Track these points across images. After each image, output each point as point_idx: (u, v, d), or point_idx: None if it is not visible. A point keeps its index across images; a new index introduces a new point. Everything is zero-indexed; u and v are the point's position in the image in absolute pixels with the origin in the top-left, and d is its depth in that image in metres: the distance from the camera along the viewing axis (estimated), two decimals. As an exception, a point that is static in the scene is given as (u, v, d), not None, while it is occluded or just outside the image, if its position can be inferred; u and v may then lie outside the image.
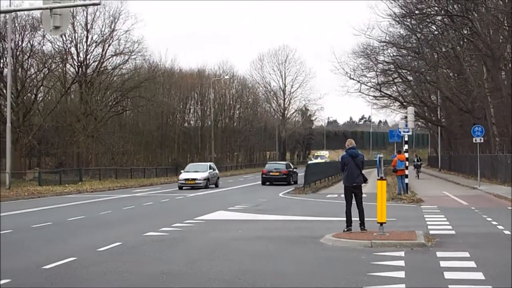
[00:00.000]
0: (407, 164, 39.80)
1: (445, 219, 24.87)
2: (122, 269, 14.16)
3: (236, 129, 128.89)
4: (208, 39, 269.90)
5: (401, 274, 13.29)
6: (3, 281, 12.82)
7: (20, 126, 69.84)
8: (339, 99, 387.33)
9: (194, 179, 52.12)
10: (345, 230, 19.48)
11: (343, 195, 20.49)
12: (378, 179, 19.30)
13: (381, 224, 18.64)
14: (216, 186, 55.08)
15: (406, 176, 39.66)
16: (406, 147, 39.83)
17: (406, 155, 39.68)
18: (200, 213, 28.35)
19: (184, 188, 51.52)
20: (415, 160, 71.12)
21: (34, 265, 14.74)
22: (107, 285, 12.55)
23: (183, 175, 53.50)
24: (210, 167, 56.10)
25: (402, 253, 16.08)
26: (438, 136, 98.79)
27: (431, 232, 20.30)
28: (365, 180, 20.12)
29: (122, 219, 26.88)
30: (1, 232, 21.72)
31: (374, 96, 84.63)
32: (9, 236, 20.76)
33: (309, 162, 75.23)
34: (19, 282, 12.81)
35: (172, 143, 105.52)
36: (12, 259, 15.88)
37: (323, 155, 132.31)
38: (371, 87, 78.06)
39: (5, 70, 69.07)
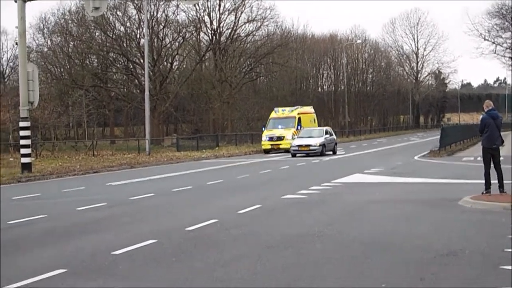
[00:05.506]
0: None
1: None
2: (262, 231, 14.42)
3: (369, 93, 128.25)
4: (340, 3, 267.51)
5: (544, 237, 13.00)
6: (150, 241, 13.32)
7: (157, 94, 71.66)
8: (473, 62, 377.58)
9: (308, 145, 47.41)
10: (484, 192, 19.19)
11: (479, 158, 20.18)
12: (517, 141, 18.90)
13: (521, 186, 18.28)
14: (334, 152, 50.33)
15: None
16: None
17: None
18: (337, 176, 28.55)
19: (297, 155, 47.49)
20: None
21: (178, 227, 15.20)
22: (247, 246, 12.80)
23: (296, 141, 49.11)
24: (327, 132, 50.93)
25: (544, 215, 15.74)
26: None
27: None
28: (502, 142, 19.72)
29: (260, 183, 27.33)
30: (143, 196, 22.44)
31: (510, 57, 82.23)
32: (152, 200, 21.50)
33: (444, 125, 73.62)
34: (164, 243, 13.22)
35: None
36: (157, 221, 16.46)
37: (286, 127, 56.95)
38: (506, 48, 75.92)
39: (142, 40, 70.96)
